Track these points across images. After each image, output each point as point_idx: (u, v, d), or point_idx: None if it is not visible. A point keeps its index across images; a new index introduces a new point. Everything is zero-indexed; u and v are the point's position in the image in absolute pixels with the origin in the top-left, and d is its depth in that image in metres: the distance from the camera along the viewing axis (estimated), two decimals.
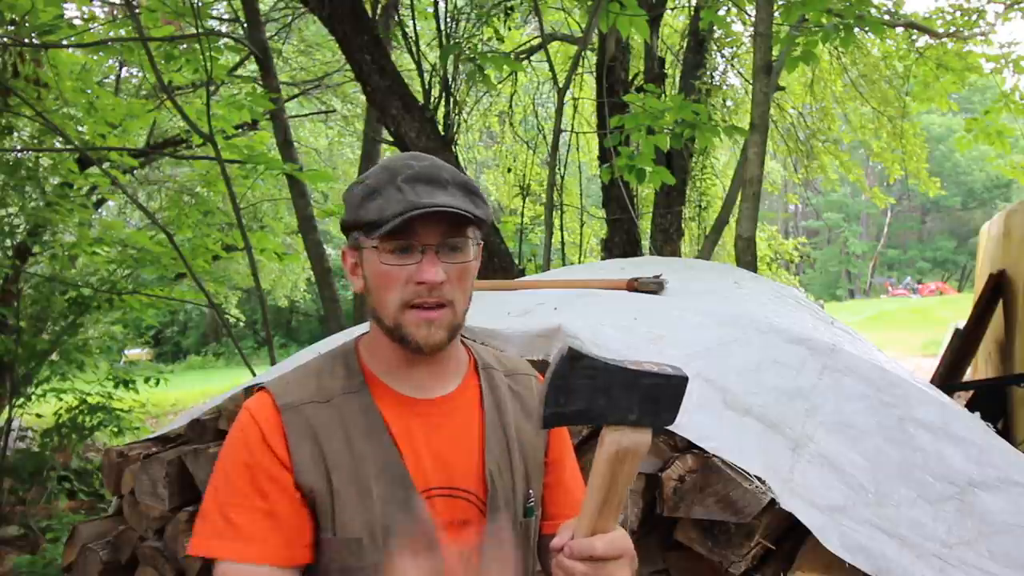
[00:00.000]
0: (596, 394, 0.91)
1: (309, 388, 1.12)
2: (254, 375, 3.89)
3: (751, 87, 4.46)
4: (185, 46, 4.97)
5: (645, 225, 7.04)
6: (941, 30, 7.93)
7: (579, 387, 0.91)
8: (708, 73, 7.15)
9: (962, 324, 5.48)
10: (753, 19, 4.89)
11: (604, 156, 5.37)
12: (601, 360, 0.92)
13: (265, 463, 1.06)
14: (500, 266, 4.79)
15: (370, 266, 1.08)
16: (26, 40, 4.88)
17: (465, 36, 5.60)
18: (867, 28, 4.44)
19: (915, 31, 8.26)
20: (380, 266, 1.06)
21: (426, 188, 1.05)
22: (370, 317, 1.13)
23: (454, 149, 5.31)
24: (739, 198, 4.45)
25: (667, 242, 6.39)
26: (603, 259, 6.10)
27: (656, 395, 0.95)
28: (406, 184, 1.05)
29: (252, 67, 7.94)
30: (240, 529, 1.05)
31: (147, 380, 6.17)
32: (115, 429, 5.94)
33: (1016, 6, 7.64)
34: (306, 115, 10.36)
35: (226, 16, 7.77)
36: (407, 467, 1.09)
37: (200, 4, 4.46)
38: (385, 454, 1.09)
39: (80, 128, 5.74)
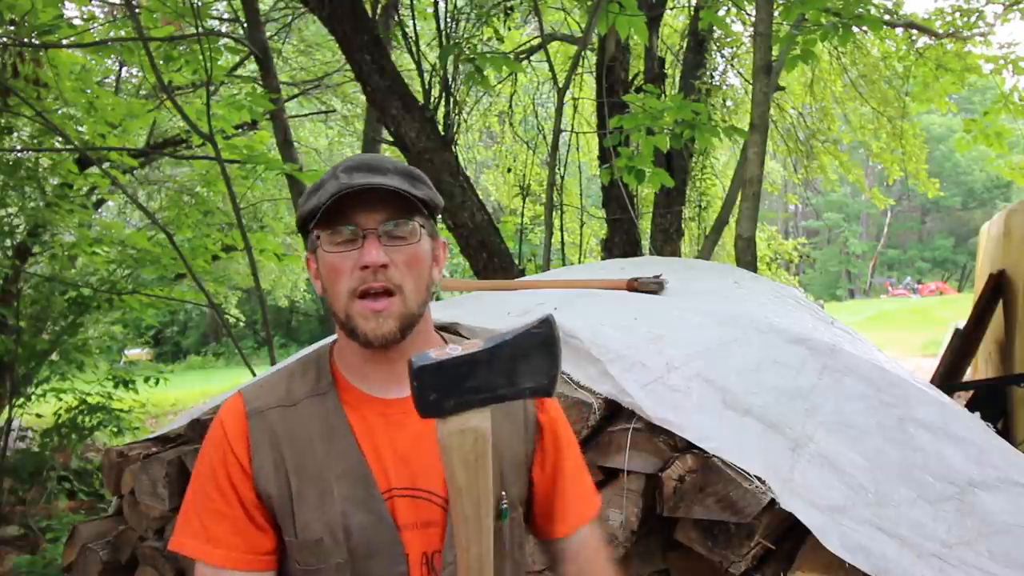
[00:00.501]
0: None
1: (278, 392, 1.14)
2: (254, 375, 3.89)
3: (751, 87, 4.46)
4: (185, 46, 4.96)
5: (645, 225, 7.03)
6: (940, 31, 7.94)
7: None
8: (708, 73, 7.15)
9: (962, 324, 5.48)
10: (753, 19, 4.89)
11: (604, 156, 5.37)
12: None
13: (229, 468, 1.09)
14: (500, 266, 4.79)
15: (321, 262, 1.09)
16: (26, 40, 4.88)
17: (465, 36, 5.60)
18: (865, 28, 4.43)
19: (914, 31, 8.27)
20: (325, 256, 1.07)
21: (363, 174, 1.06)
22: (332, 317, 1.13)
23: (454, 149, 5.31)
24: (739, 198, 4.45)
25: (667, 242, 6.39)
26: (603, 259, 6.10)
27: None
28: (343, 172, 1.07)
29: (252, 67, 7.94)
30: (209, 531, 1.08)
31: (147, 380, 6.18)
32: (115, 429, 5.94)
33: (1015, 7, 7.65)
34: (306, 115, 10.36)
35: (226, 16, 7.77)
36: (370, 468, 1.09)
37: (200, 4, 4.46)
38: (347, 455, 1.09)
39: (80, 128, 5.73)
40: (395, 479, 1.10)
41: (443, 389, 0.91)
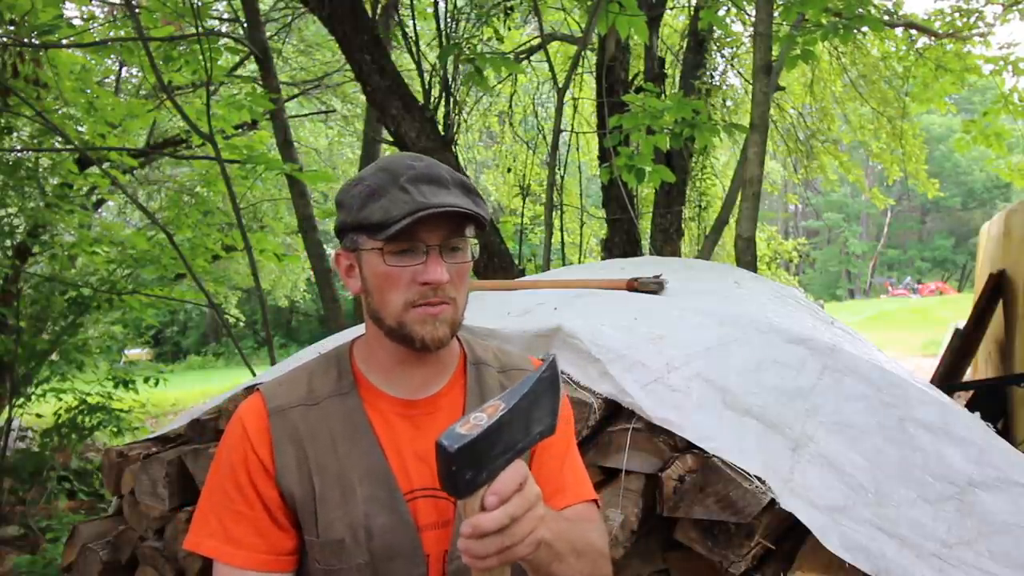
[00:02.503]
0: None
1: (300, 391, 1.14)
2: (254, 375, 3.89)
3: (751, 87, 4.46)
4: (185, 46, 4.96)
5: (645, 225, 7.03)
6: (940, 31, 7.94)
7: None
8: (708, 73, 7.15)
9: (962, 324, 5.48)
10: (753, 19, 4.89)
11: (604, 156, 5.37)
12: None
13: (250, 468, 1.09)
14: (500, 266, 4.79)
15: (371, 267, 1.08)
16: (26, 40, 4.88)
17: (465, 36, 5.60)
18: (865, 28, 4.44)
19: (914, 31, 8.27)
20: (383, 267, 1.06)
21: (431, 188, 1.05)
22: (369, 318, 1.13)
23: (454, 149, 5.31)
24: (739, 198, 4.45)
25: (667, 242, 6.39)
26: (603, 259, 6.10)
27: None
28: (410, 184, 1.04)
29: (252, 67, 7.94)
30: (229, 531, 1.08)
31: (147, 380, 6.17)
32: (115, 429, 5.94)
33: (1015, 7, 7.65)
34: (306, 115, 10.36)
35: (226, 16, 7.77)
36: (392, 469, 1.09)
37: (200, 4, 4.46)
38: (370, 456, 1.10)
39: (80, 128, 5.74)
40: (416, 480, 1.11)
41: (477, 464, 0.87)
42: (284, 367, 2.33)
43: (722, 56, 7.93)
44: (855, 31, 4.35)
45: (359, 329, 1.29)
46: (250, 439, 1.10)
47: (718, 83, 7.79)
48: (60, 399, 5.88)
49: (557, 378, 0.96)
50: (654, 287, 2.48)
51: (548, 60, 5.88)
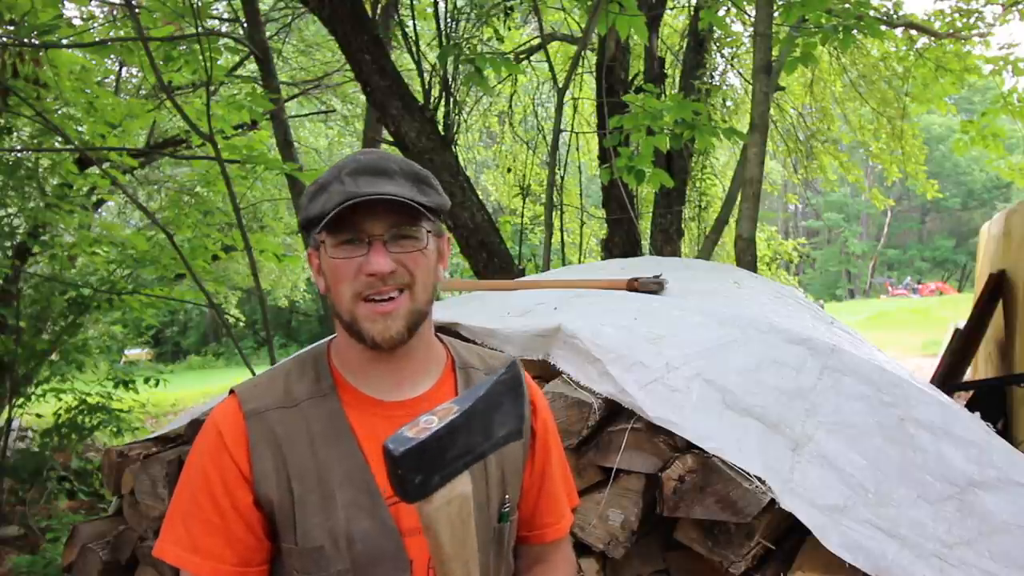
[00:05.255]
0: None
1: (276, 393, 1.11)
2: (254, 375, 3.89)
3: (751, 87, 4.46)
4: (185, 46, 4.96)
5: (645, 225, 7.04)
6: (940, 31, 7.93)
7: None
8: (708, 73, 7.15)
9: (962, 324, 5.48)
10: (753, 19, 4.89)
11: (604, 156, 5.37)
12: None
13: (226, 476, 1.05)
14: (500, 266, 4.79)
15: (324, 263, 1.08)
16: (26, 40, 4.88)
17: (465, 36, 5.60)
18: (865, 30, 4.44)
19: (914, 32, 8.27)
20: (330, 260, 1.06)
21: (369, 179, 1.04)
22: (334, 317, 1.11)
23: (454, 149, 5.31)
24: (739, 198, 4.45)
25: (667, 242, 6.39)
26: (603, 259, 6.10)
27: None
28: (348, 176, 1.04)
29: (252, 67, 7.95)
30: (196, 540, 1.04)
31: (147, 380, 6.17)
32: (115, 429, 5.93)
33: (1015, 7, 7.64)
34: (306, 115, 10.36)
35: (226, 16, 7.77)
36: (373, 472, 1.06)
37: (200, 4, 4.45)
38: (350, 460, 1.07)
39: (80, 128, 5.73)
40: None
41: (427, 468, 0.85)
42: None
43: (722, 56, 7.93)
44: (854, 32, 4.35)
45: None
46: (226, 445, 1.06)
47: (718, 83, 7.79)
48: (60, 399, 5.88)
49: (519, 380, 0.94)
50: (654, 287, 2.48)
51: (548, 60, 5.89)
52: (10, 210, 5.85)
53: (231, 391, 1.14)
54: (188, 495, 1.07)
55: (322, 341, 1.21)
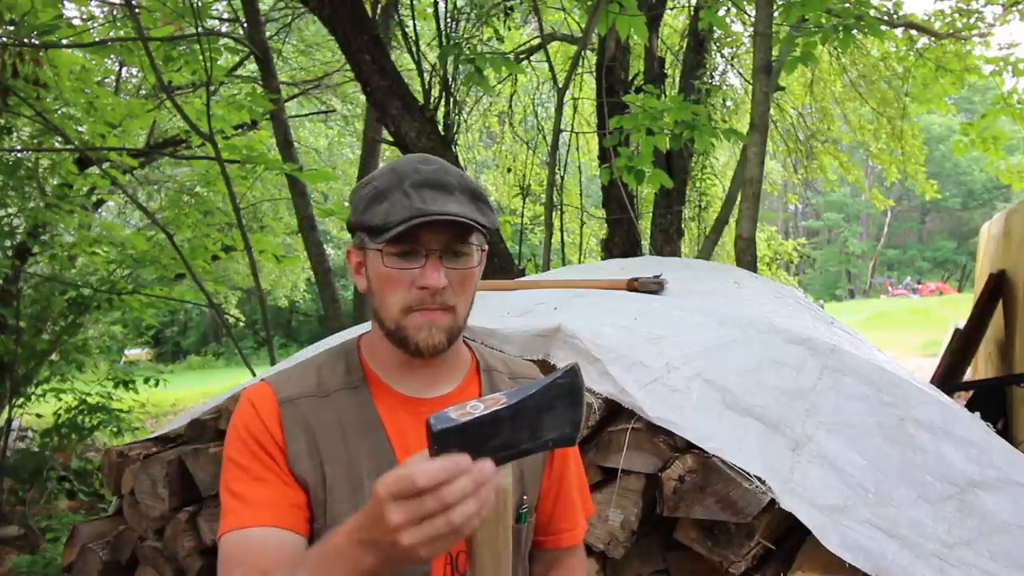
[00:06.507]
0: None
1: (308, 382, 1.14)
2: (254, 375, 3.89)
3: (751, 87, 4.46)
4: (185, 46, 4.96)
5: (645, 225, 7.04)
6: (940, 31, 7.93)
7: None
8: (708, 73, 7.15)
9: (962, 324, 5.48)
10: (753, 19, 4.89)
11: (604, 156, 5.37)
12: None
13: (263, 442, 1.08)
14: (500, 266, 4.79)
15: (374, 268, 1.09)
16: (26, 40, 4.88)
17: (465, 36, 5.60)
18: (865, 30, 4.44)
19: (914, 32, 8.27)
20: (383, 269, 1.07)
21: (432, 194, 1.05)
22: (372, 317, 1.15)
23: (454, 149, 5.31)
24: (739, 198, 4.45)
25: (667, 242, 6.39)
26: (603, 259, 6.10)
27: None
28: (413, 189, 1.05)
29: (252, 67, 7.95)
30: (242, 498, 1.06)
31: (147, 380, 6.17)
32: (115, 429, 5.93)
33: (1015, 7, 7.64)
34: (306, 115, 10.37)
35: (226, 16, 7.77)
36: (400, 464, 1.08)
37: (200, 4, 4.46)
38: (379, 451, 1.10)
39: (80, 128, 5.73)
40: None
41: (465, 451, 0.84)
42: (283, 367, 2.32)
43: (722, 56, 7.93)
44: (854, 32, 4.35)
45: (360, 328, 1.29)
46: (263, 419, 1.08)
47: (718, 83, 7.79)
48: (60, 399, 5.87)
49: (577, 388, 0.92)
50: (654, 287, 2.48)
51: (548, 60, 5.89)
52: (10, 210, 5.85)
53: (263, 380, 1.17)
54: (231, 469, 1.08)
55: (351, 336, 1.23)
